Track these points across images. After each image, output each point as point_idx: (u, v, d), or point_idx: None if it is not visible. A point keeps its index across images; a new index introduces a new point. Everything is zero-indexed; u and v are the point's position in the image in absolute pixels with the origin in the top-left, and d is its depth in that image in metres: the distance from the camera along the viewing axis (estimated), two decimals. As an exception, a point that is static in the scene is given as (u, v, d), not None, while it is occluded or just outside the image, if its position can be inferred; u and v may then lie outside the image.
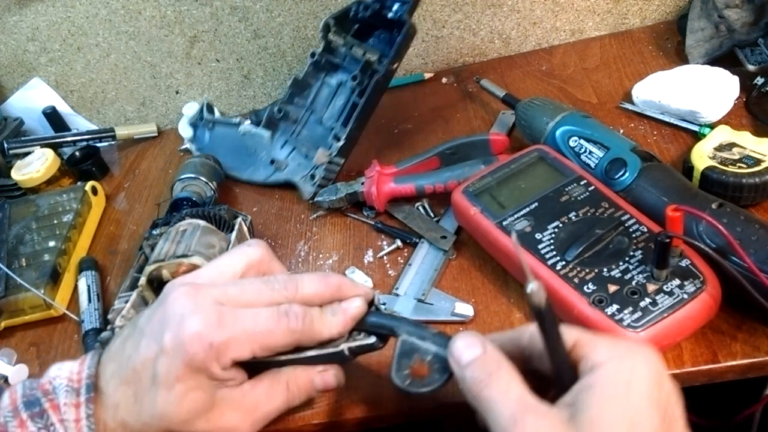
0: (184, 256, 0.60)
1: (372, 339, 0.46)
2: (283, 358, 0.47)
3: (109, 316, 0.60)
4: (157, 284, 0.61)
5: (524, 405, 0.34)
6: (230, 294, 0.44)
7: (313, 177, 0.76)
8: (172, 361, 0.41)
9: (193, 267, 0.59)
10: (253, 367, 0.46)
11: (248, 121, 0.87)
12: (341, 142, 0.74)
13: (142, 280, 0.60)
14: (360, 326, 0.46)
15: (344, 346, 0.46)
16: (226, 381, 0.43)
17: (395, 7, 0.74)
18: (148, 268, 0.61)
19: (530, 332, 0.38)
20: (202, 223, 0.66)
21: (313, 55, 0.79)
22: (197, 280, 0.46)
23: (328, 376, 0.47)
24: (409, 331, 0.44)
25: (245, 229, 0.70)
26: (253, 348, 0.43)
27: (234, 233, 0.67)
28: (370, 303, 0.50)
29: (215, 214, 0.68)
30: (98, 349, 0.46)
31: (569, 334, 0.36)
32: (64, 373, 0.43)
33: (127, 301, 0.59)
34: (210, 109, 0.94)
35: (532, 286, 0.33)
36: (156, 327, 0.43)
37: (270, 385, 0.46)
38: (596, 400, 0.33)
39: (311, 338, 0.44)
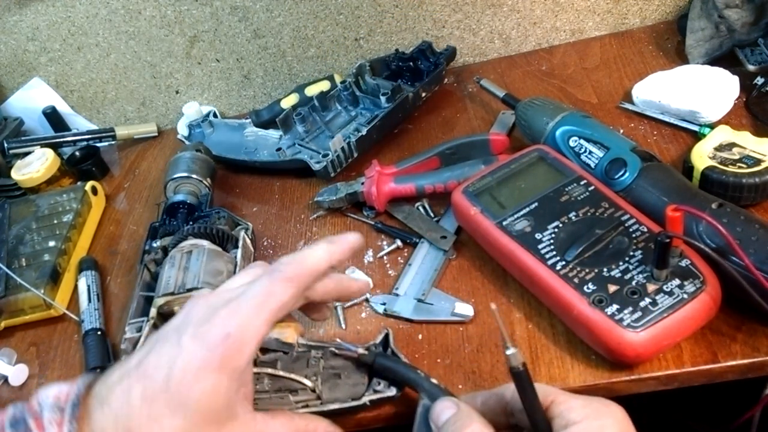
0: (194, 288, 0.61)
1: (393, 391, 0.50)
2: (302, 411, 0.50)
3: (123, 346, 0.61)
4: (167, 316, 0.61)
5: None
6: (231, 286, 0.45)
7: (325, 156, 0.78)
8: (191, 359, 0.40)
9: None
10: None
11: (249, 121, 0.87)
12: (361, 133, 0.77)
13: (153, 312, 0.61)
14: (378, 371, 0.50)
15: (366, 399, 0.49)
16: (241, 384, 0.42)
17: (431, 59, 0.87)
18: (158, 301, 0.61)
19: (512, 390, 0.40)
20: (206, 245, 0.66)
21: (344, 83, 0.85)
22: None
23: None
24: (427, 393, 0.46)
25: (248, 242, 0.70)
26: (267, 318, 0.42)
27: (239, 251, 0.67)
28: (386, 345, 0.54)
29: (217, 230, 0.67)
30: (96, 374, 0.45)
31: (547, 392, 0.39)
32: (53, 392, 0.42)
33: (139, 329, 0.60)
34: (216, 115, 0.96)
35: (511, 351, 0.37)
36: (172, 333, 0.42)
37: (284, 423, 0.45)
38: None
39: (309, 273, 0.44)
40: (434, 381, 0.47)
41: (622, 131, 0.73)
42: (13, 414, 0.42)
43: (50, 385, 0.43)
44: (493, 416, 0.41)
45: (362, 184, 0.72)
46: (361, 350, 0.52)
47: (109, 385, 0.42)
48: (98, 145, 0.97)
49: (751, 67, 0.74)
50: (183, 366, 0.40)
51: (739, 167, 0.58)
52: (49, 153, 0.89)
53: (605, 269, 0.51)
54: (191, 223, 0.72)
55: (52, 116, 0.99)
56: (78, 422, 0.40)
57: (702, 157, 0.60)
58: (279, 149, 0.80)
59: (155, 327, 0.60)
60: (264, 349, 0.55)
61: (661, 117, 0.73)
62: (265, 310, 0.42)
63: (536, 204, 0.59)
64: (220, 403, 0.41)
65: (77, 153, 0.96)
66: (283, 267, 0.44)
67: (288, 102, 0.90)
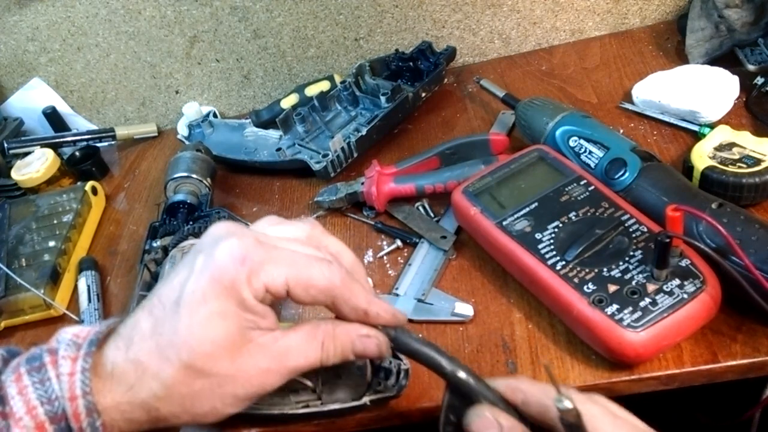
0: None
1: (393, 391, 0.49)
2: (303, 411, 0.48)
3: None
4: None
5: None
6: (271, 233, 0.42)
7: (324, 156, 0.78)
8: (199, 278, 0.38)
9: None
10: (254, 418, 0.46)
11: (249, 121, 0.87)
12: (361, 133, 0.77)
13: None
14: (399, 348, 0.44)
15: (366, 399, 0.49)
16: (255, 316, 0.39)
17: (431, 59, 0.87)
18: None
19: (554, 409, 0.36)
20: None
21: (344, 83, 0.85)
22: None
23: (369, 342, 0.42)
24: (456, 385, 0.41)
25: None
26: (288, 278, 0.39)
27: None
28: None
29: None
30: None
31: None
32: (73, 330, 0.41)
33: None
34: (215, 115, 0.96)
35: (566, 404, 0.34)
36: (189, 257, 0.40)
37: (305, 337, 0.41)
38: None
39: (345, 300, 0.41)
40: (463, 375, 0.41)
41: (622, 131, 0.73)
42: (32, 352, 0.40)
43: (73, 325, 0.42)
44: (536, 418, 0.38)
45: (362, 184, 0.72)
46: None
47: (126, 319, 0.41)
48: (98, 145, 0.98)
49: (751, 67, 0.74)
50: (193, 287, 0.38)
51: (739, 167, 0.58)
52: (49, 153, 0.89)
53: (605, 269, 0.51)
54: (191, 222, 0.72)
55: (52, 116, 0.99)
56: (93, 358, 0.39)
57: (702, 157, 0.60)
58: (279, 149, 0.80)
59: None
60: None
61: (661, 117, 0.73)
62: (294, 275, 0.39)
63: (536, 204, 0.59)
64: (230, 330, 0.38)
65: (77, 153, 0.96)
66: (337, 268, 0.41)
67: (288, 102, 0.90)
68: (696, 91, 0.71)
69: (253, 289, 0.38)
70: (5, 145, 0.94)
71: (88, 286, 0.73)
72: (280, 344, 0.40)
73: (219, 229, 0.41)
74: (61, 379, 0.38)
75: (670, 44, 0.85)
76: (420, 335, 0.58)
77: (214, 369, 0.38)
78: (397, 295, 0.61)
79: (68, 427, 0.38)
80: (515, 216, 0.58)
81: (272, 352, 0.40)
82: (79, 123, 1.04)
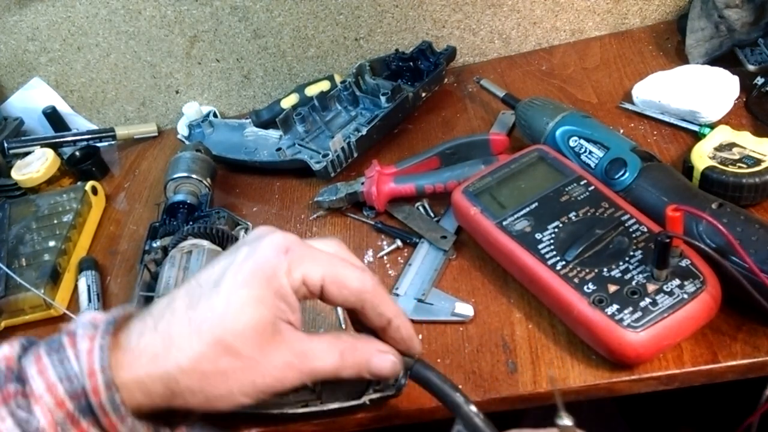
0: None
1: (393, 391, 0.49)
2: (302, 410, 0.49)
3: None
4: None
5: None
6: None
7: (324, 156, 0.78)
8: (242, 265, 0.40)
9: None
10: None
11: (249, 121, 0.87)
12: (361, 133, 0.77)
13: None
14: (414, 377, 0.46)
15: (366, 399, 0.49)
16: (288, 307, 0.41)
17: (431, 59, 0.87)
18: None
19: None
20: (206, 244, 0.66)
21: (344, 83, 0.85)
22: None
23: (384, 362, 0.43)
24: (465, 422, 0.42)
25: None
26: (325, 275, 0.41)
27: None
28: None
29: (218, 230, 0.67)
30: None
31: None
32: (91, 314, 0.42)
33: None
34: (216, 115, 0.96)
35: (566, 421, 0.35)
36: (232, 249, 0.43)
37: (326, 345, 0.43)
38: None
39: (374, 305, 0.43)
40: (474, 409, 0.43)
41: (622, 131, 0.73)
42: (51, 337, 0.41)
43: (92, 311, 0.43)
44: None
45: (362, 184, 0.72)
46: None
47: (157, 301, 0.42)
48: (98, 145, 0.98)
49: (751, 67, 0.74)
50: (235, 272, 0.40)
51: (739, 167, 0.58)
52: (49, 153, 0.89)
53: (605, 269, 0.51)
54: (191, 223, 0.72)
55: (52, 116, 0.99)
56: (111, 337, 0.39)
57: (702, 157, 0.60)
58: (279, 149, 0.80)
59: None
60: None
61: (661, 117, 0.73)
62: (332, 274, 0.41)
63: (536, 204, 0.59)
64: (265, 316, 0.40)
65: (77, 153, 0.96)
66: (371, 278, 0.43)
67: (288, 102, 0.90)
68: (696, 91, 0.71)
69: (292, 278, 0.40)
70: (5, 145, 0.94)
71: (88, 286, 0.73)
72: (305, 344, 0.42)
73: (262, 228, 0.44)
74: (80, 357, 0.38)
75: (670, 44, 0.85)
76: (420, 335, 0.58)
77: (243, 350, 0.39)
78: (397, 295, 0.61)
79: (88, 404, 0.38)
80: (515, 216, 0.58)
81: (297, 349, 0.41)
82: (79, 123, 1.04)
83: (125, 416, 0.38)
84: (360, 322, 0.44)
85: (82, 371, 0.38)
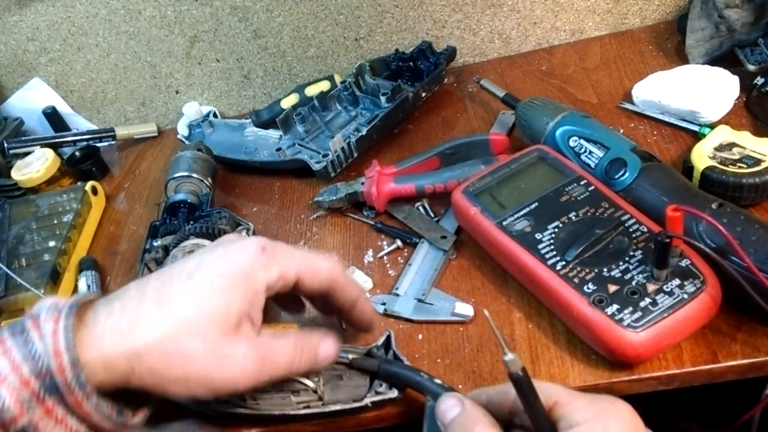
0: None
1: (395, 393, 0.50)
2: (304, 411, 0.49)
3: None
4: None
5: None
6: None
7: (324, 156, 0.78)
8: (219, 261, 0.43)
9: None
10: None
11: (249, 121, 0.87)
12: (361, 133, 0.77)
13: None
14: (383, 377, 0.51)
15: (368, 401, 0.50)
16: (255, 306, 0.43)
17: (431, 59, 0.88)
18: None
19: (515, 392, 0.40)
20: (207, 244, 0.65)
21: (344, 83, 0.85)
22: None
23: (328, 346, 0.47)
24: (432, 394, 0.46)
25: None
26: (300, 266, 0.45)
27: None
28: (387, 346, 0.54)
29: (219, 230, 0.67)
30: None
31: (551, 392, 0.38)
32: (51, 299, 0.43)
33: None
34: (216, 115, 0.96)
35: (509, 356, 0.36)
36: (205, 249, 0.45)
37: (284, 342, 0.45)
38: None
39: (343, 289, 0.48)
40: (438, 381, 0.47)
41: (622, 131, 0.73)
42: (13, 321, 0.43)
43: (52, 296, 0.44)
44: (499, 414, 0.40)
45: (362, 184, 0.72)
46: (351, 356, 0.52)
47: (125, 287, 0.44)
48: (98, 145, 0.97)
49: (751, 67, 0.74)
50: (211, 264, 0.43)
51: (739, 167, 0.58)
52: (49, 153, 0.89)
53: (605, 269, 0.51)
54: (192, 222, 0.72)
55: (52, 116, 0.99)
56: (75, 318, 0.40)
57: (702, 157, 0.60)
58: (279, 149, 0.80)
59: None
60: None
61: (661, 117, 0.73)
62: (305, 267, 0.45)
63: (536, 204, 0.59)
64: (235, 306, 0.42)
65: (77, 153, 0.96)
66: (340, 265, 0.49)
67: (288, 102, 0.90)
68: (696, 91, 0.71)
69: (270, 273, 0.43)
70: (5, 145, 0.94)
71: (88, 286, 0.73)
72: (264, 342, 0.44)
73: (232, 235, 0.48)
74: (45, 339, 0.39)
75: (670, 44, 0.85)
76: (420, 335, 0.58)
77: (207, 334, 0.41)
78: (397, 295, 0.61)
79: (53, 383, 0.39)
80: (515, 216, 0.58)
81: (258, 346, 0.44)
82: (79, 123, 1.04)
83: (90, 394, 0.39)
84: (328, 305, 0.50)
85: (47, 351, 0.39)
